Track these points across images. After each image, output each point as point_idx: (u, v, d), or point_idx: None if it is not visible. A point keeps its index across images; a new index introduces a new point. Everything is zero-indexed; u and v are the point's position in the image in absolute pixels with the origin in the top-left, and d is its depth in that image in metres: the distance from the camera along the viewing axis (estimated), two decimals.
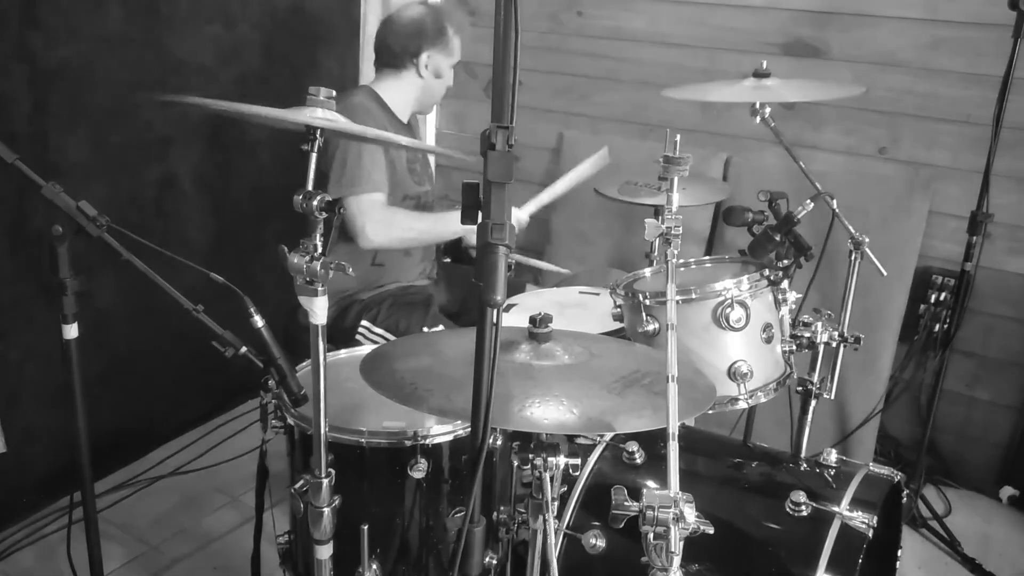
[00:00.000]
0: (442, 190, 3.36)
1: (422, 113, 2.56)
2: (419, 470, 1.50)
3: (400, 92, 2.38)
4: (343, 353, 1.87)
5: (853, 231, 1.96)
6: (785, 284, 1.76)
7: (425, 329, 2.23)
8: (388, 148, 2.26)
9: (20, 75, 2.19)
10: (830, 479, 1.61)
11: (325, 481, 1.38)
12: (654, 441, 1.69)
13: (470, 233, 2.42)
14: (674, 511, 1.04)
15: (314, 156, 1.31)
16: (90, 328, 1.52)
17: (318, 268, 1.26)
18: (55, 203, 1.37)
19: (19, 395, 2.35)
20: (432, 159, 3.19)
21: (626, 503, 1.11)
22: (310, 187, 1.28)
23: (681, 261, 1.86)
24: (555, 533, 1.35)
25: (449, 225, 2.35)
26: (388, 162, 2.26)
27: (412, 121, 2.51)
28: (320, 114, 1.30)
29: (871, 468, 1.65)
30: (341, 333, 2.26)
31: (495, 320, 1.02)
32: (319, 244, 1.28)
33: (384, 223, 2.22)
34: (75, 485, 1.55)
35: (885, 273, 1.97)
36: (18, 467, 2.33)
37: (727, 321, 1.61)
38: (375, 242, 2.22)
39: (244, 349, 1.36)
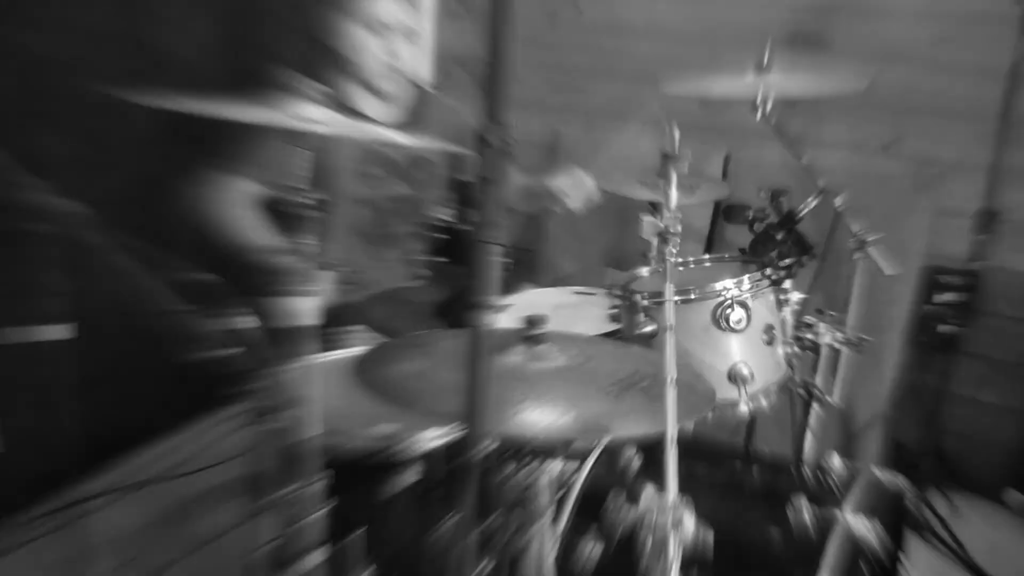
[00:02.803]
0: None
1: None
2: (412, 475, 1.48)
3: None
4: (335, 355, 1.85)
5: (857, 229, 1.93)
6: (788, 284, 1.73)
7: (420, 332, 2.20)
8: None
9: (9, 70, 2.16)
10: (833, 484, 1.59)
11: (317, 486, 1.36)
12: (652, 446, 1.66)
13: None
14: (673, 517, 1.02)
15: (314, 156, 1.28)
16: (82, 328, 1.49)
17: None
18: (46, 202, 1.35)
19: (10, 396, 2.33)
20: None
21: (624, 509, 1.09)
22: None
23: (680, 260, 1.84)
24: (551, 539, 1.33)
25: None
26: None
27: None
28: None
29: (875, 473, 1.62)
30: (331, 336, 2.23)
31: (489, 321, 1.00)
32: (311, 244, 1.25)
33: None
34: (65, 487, 1.53)
35: (890, 272, 1.95)
36: (11, 469, 2.31)
37: (727, 322, 1.59)
38: None
39: (237, 350, 1.35)
